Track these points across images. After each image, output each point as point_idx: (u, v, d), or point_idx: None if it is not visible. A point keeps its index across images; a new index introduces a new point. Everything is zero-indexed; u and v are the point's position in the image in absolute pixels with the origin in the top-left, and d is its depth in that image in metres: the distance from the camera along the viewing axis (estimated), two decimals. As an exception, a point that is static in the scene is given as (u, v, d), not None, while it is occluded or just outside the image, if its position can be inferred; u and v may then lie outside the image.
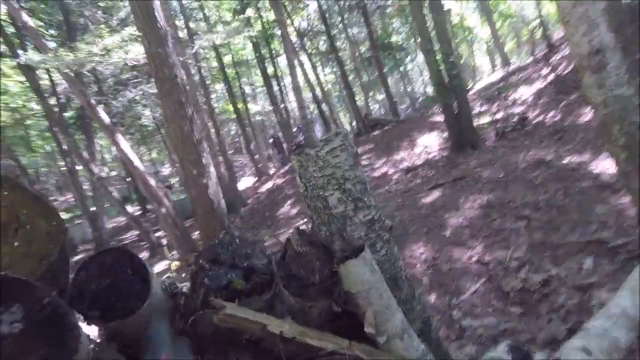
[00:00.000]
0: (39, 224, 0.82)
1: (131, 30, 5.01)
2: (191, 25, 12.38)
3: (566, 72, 7.66)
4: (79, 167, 12.76)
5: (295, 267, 1.36)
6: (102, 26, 7.16)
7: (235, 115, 17.61)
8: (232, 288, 1.27)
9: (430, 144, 7.90)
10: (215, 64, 17.51)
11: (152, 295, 1.11)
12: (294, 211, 7.65)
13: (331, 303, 1.27)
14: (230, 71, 18.50)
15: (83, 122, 12.23)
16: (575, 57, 2.26)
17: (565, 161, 4.17)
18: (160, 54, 4.75)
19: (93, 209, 11.74)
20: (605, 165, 3.59)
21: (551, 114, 6.30)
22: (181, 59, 6.55)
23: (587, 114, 5.39)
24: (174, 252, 5.49)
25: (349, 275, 1.28)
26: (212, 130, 11.89)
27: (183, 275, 3.44)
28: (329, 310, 1.27)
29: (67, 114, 12.88)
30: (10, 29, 10.24)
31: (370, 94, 21.16)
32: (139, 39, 5.05)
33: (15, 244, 0.78)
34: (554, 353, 1.59)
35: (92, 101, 6.08)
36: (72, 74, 5.70)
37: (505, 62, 18.08)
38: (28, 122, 15.80)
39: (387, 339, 1.30)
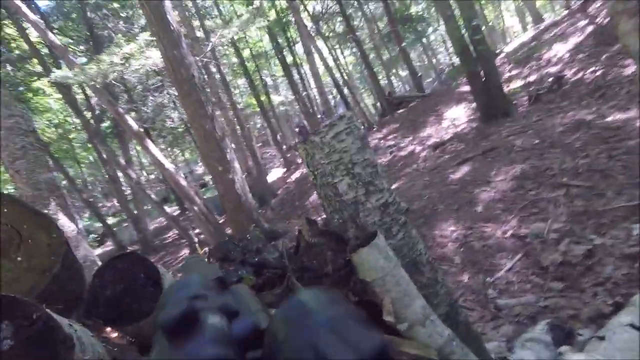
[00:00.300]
0: (39, 238, 0.84)
1: (145, 35, 5.12)
2: (207, 23, 12.50)
3: (607, 20, 6.95)
4: (120, 174, 13.49)
5: (308, 259, 1.33)
6: (120, 36, 7.38)
7: (259, 108, 17.76)
8: (242, 283, 1.27)
9: (458, 116, 7.54)
10: (235, 59, 17.67)
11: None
12: (323, 198, 7.65)
13: (347, 293, 1.24)
14: (250, 65, 18.62)
15: (118, 131, 12.86)
16: (609, 3, 2.02)
17: (608, 120, 3.81)
18: (175, 56, 4.83)
19: (135, 212, 12.42)
20: (655, 120, 3.24)
21: (591, 69, 5.76)
22: (198, 59, 6.65)
23: (631, 66, 4.87)
24: (206, 249, 5.69)
25: (362, 263, 1.23)
26: (237, 126, 12.07)
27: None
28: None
29: (104, 125, 13.61)
30: (45, 50, 10.88)
31: (393, 71, 20.49)
32: (156, 44, 5.16)
33: (18, 258, 0.80)
34: (600, 330, 1.47)
35: (120, 110, 6.33)
36: (99, 86, 5.95)
37: (537, 19, 16.77)
38: (71, 135, 16.90)
39: (409, 326, 1.25)
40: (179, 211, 17.67)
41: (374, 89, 15.26)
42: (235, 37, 10.97)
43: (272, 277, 1.27)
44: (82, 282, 1.12)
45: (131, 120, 6.45)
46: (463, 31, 6.32)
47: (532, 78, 7.05)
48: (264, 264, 1.31)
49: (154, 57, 5.52)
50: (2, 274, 0.77)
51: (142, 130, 9.14)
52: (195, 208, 6.22)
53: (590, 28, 7.37)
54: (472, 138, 5.72)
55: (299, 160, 17.87)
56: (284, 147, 19.91)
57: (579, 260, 2.10)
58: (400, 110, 11.37)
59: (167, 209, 11.26)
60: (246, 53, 18.14)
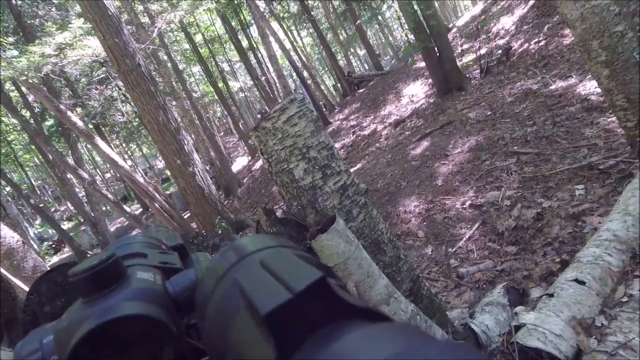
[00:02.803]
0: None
1: (79, 23, 4.69)
2: (152, 7, 11.70)
3: (548, -7, 7.26)
4: (70, 175, 12.62)
5: (267, 249, 1.30)
6: (50, 24, 6.72)
7: (217, 96, 17.13)
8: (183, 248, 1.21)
9: (416, 92, 7.68)
10: (187, 45, 16.80)
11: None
12: (290, 183, 7.60)
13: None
14: (203, 51, 17.78)
15: (63, 129, 11.93)
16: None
17: (552, 87, 4.02)
18: (117, 44, 4.48)
19: (92, 214, 11.73)
20: (592, 86, 3.46)
21: (535, 40, 6.03)
22: (144, 46, 6.22)
23: (570, 35, 5.14)
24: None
25: (323, 249, 1.22)
26: (194, 115, 11.59)
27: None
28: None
29: (46, 124, 12.57)
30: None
31: (351, 50, 20.42)
32: (93, 32, 4.75)
33: None
34: (549, 288, 1.57)
35: (62, 106, 5.84)
36: (33, 81, 5.43)
37: (486, -7, 17.21)
38: (10, 137, 15.49)
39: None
40: (140, 209, 16.94)
41: (334, 69, 15.15)
42: (185, 21, 10.37)
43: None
44: (15, 302, 1.02)
45: (75, 117, 5.97)
46: (416, 7, 6.35)
47: (482, 51, 7.26)
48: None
49: (94, 47, 5.09)
50: None
51: (89, 127, 8.53)
52: (156, 204, 5.96)
53: (532, 0, 7.67)
54: (430, 113, 5.86)
55: (263, 147, 17.59)
56: (247, 134, 19.47)
57: (530, 224, 2.23)
58: (361, 90, 11.41)
59: (127, 208, 10.71)
60: (198, 38, 17.29)
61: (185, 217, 8.37)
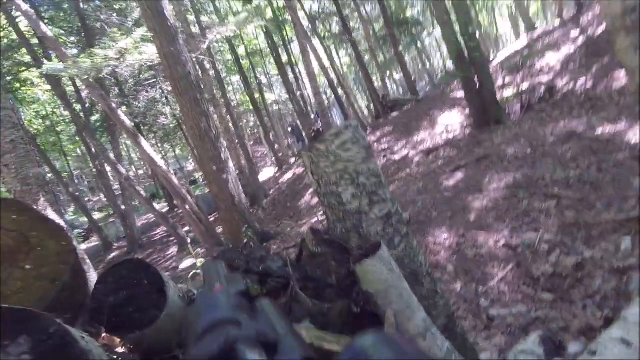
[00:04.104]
0: (49, 245, 0.83)
1: (143, 31, 5.05)
2: (203, 19, 12.38)
3: (598, 32, 7.12)
4: (108, 169, 13.28)
5: (311, 269, 1.34)
6: (116, 30, 7.26)
7: (252, 106, 17.67)
8: (247, 293, 1.26)
9: (451, 122, 7.63)
10: (229, 56, 17.56)
11: (169, 305, 1.13)
12: (315, 200, 7.65)
13: (350, 304, 1.25)
14: (244, 62, 18.50)
15: (108, 125, 12.65)
16: (607, 17, 2.07)
17: (598, 132, 3.90)
18: (172, 52, 4.77)
19: (123, 207, 12.24)
20: (644, 134, 3.34)
21: (582, 80, 5.90)
22: (194, 56, 6.58)
23: (622, 79, 5.00)
24: (199, 249, 5.65)
25: (366, 274, 1.25)
26: (230, 124, 12.00)
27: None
28: (348, 311, 1.24)
29: (93, 118, 13.37)
30: (34, 40, 10.62)
31: (387, 73, 20.59)
32: (152, 39, 5.09)
33: (27, 267, 0.79)
34: (590, 344, 1.51)
35: (113, 105, 6.23)
36: (92, 80, 5.85)
37: (530, 27, 17.04)
38: (59, 128, 16.56)
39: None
40: (167, 208, 17.49)
41: (369, 90, 15.32)
42: (231, 35, 10.89)
43: (276, 286, 1.27)
44: (87, 289, 1.11)
45: (124, 116, 6.35)
46: (458, 37, 6.40)
47: (524, 86, 7.17)
48: (268, 273, 1.31)
49: (149, 53, 5.44)
50: (11, 283, 0.76)
51: (133, 125, 8.99)
52: (187, 207, 6.17)
53: (582, 39, 7.54)
54: (465, 145, 5.80)
55: (292, 161, 17.84)
56: (276, 146, 19.86)
57: (569, 272, 2.16)
58: (394, 114, 11.45)
59: (156, 205, 11.11)
60: (241, 50, 18.03)
61: (210, 220, 8.58)
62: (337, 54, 20.74)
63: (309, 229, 1.43)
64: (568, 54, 7.31)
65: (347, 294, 1.27)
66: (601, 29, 6.98)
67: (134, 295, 1.17)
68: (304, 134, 17.61)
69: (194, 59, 8.24)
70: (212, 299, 0.53)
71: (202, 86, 9.54)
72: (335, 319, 1.25)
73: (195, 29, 11.10)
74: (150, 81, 12.22)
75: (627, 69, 2.00)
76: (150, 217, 17.53)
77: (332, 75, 13.19)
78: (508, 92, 7.25)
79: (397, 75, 22.89)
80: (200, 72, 9.62)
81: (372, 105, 16.31)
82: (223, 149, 5.17)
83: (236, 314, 0.45)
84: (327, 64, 13.69)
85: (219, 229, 7.15)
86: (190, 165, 31.26)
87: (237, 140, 11.44)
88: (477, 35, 7.22)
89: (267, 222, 7.62)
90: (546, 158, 3.71)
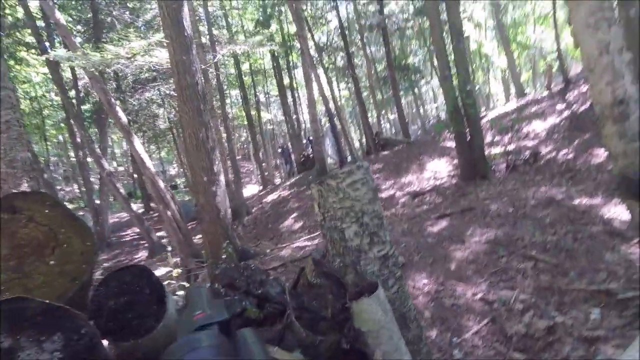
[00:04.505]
0: (74, 244, 0.85)
1: (160, 36, 5.15)
2: (214, 32, 12.66)
3: (582, 109, 7.68)
4: (89, 160, 12.94)
5: (308, 299, 1.37)
6: (130, 29, 7.35)
7: (247, 122, 17.80)
8: (246, 316, 1.28)
9: (439, 169, 7.91)
10: (232, 70, 17.83)
11: (167, 317, 1.13)
12: (298, 225, 7.65)
13: (341, 339, 1.28)
14: (247, 79, 18.79)
15: (99, 117, 12.45)
16: (597, 105, 2.28)
17: (576, 202, 4.15)
18: (184, 61, 4.87)
19: (98, 202, 11.85)
20: (617, 212, 3.58)
21: (564, 151, 6.30)
22: (203, 67, 6.70)
23: (600, 156, 5.38)
24: (176, 259, 5.51)
25: (361, 313, 1.29)
26: (224, 135, 12.03)
27: (185, 284, 3.45)
28: (337, 346, 1.27)
29: (84, 107, 13.14)
30: (40, 22, 10.56)
31: (383, 112, 21.28)
32: (165, 45, 5.19)
33: (51, 262, 0.80)
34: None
35: (112, 100, 6.20)
36: (96, 72, 5.84)
37: (520, 93, 18.15)
38: (45, 112, 16.16)
39: (394, 380, 1.30)
40: (143, 210, 17.01)
41: (363, 125, 15.74)
42: (239, 52, 11.15)
43: (273, 312, 1.29)
44: (89, 286, 1.11)
45: (121, 112, 6.32)
46: (456, 92, 6.78)
47: (511, 147, 7.56)
48: (266, 297, 1.33)
49: (160, 57, 5.52)
50: (34, 277, 0.77)
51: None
52: (169, 213, 6.06)
53: (566, 112, 8.09)
54: (451, 194, 6.01)
55: (277, 181, 17.82)
56: (264, 164, 19.87)
57: (541, 335, 2.25)
58: (385, 152, 11.76)
59: (132, 206, 10.81)
60: (245, 67, 18.37)
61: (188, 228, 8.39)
62: (338, 85, 21.37)
63: (311, 259, 1.47)
64: (553, 124, 7.81)
65: (340, 329, 1.30)
66: (585, 106, 7.54)
67: (135, 302, 1.17)
68: (293, 157, 17.76)
69: (201, 69, 8.37)
70: (192, 343, 0.56)
71: (206, 96, 9.61)
72: (325, 352, 1.27)
73: (204, 40, 11.33)
74: (150, 81, 12.20)
75: (611, 153, 2.19)
76: (123, 216, 16.96)
77: (331, 105, 13.53)
78: (496, 150, 7.63)
79: (392, 116, 23.64)
80: (204, 82, 9.74)
81: (364, 140, 16.71)
82: (217, 162, 5.19)
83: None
84: (327, 93, 14.07)
85: (197, 239, 7.00)
86: (173, 170, 30.73)
87: (227, 153, 11.43)
88: (473, 93, 7.66)
89: (246, 240, 7.51)
90: (526, 220, 3.90)
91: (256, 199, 13.20)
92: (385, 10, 13.75)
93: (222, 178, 5.23)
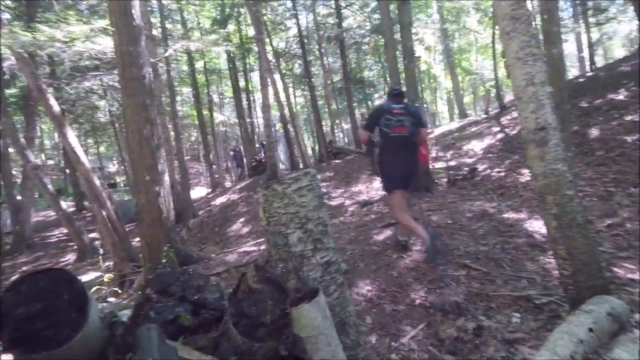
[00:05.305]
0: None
1: (105, 23, 4.80)
2: (167, 25, 12.10)
3: (513, 132, 8.47)
4: (11, 151, 11.60)
5: (248, 305, 1.33)
6: (71, 12, 6.76)
7: (198, 122, 17.18)
8: (178, 323, 1.20)
9: (387, 180, 8.22)
10: (186, 67, 17.15)
11: (88, 326, 1.02)
12: (245, 230, 7.49)
13: (279, 345, 1.26)
14: (200, 77, 18.16)
15: (26, 104, 11.24)
16: (523, 130, 2.53)
17: (504, 216, 4.54)
18: (131, 52, 4.59)
19: (20, 198, 10.64)
20: (538, 226, 3.97)
21: (497, 169, 6.88)
22: (153, 60, 6.35)
23: (526, 175, 5.96)
24: (110, 263, 5.09)
25: (301, 319, 1.29)
26: (172, 134, 11.47)
27: (118, 290, 3.19)
28: (275, 353, 1.25)
29: (9, 91, 11.80)
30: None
31: (337, 122, 21.72)
32: (110, 33, 4.85)
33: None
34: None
35: (44, 86, 5.64)
36: (26, 54, 5.29)
37: (462, 113, 19.60)
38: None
39: (330, 386, 1.31)
40: (74, 208, 15.57)
41: (317, 134, 15.95)
42: (194, 49, 10.77)
43: (209, 318, 1.24)
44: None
45: (53, 100, 5.76)
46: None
47: (452, 163, 8.11)
48: (203, 304, 1.28)
49: (105, 45, 5.15)
50: None
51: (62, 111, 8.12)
52: (104, 212, 5.61)
53: (500, 135, 8.88)
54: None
55: (227, 185, 17.33)
56: (214, 167, 19.25)
57: (470, 338, 2.41)
58: (337, 161, 11.98)
59: (62, 204, 9.84)
60: (199, 65, 17.77)
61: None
62: (294, 92, 21.44)
63: (254, 265, 1.44)
64: (489, 144, 8.53)
65: (279, 335, 1.28)
66: (515, 130, 8.34)
67: (51, 309, 1.04)
68: (245, 160, 17.42)
69: (150, 62, 7.93)
70: None
71: (154, 92, 9.13)
72: (262, 359, 1.24)
73: (156, 32, 10.77)
74: (92, 70, 11.29)
75: (534, 174, 2.44)
76: (49, 215, 15.36)
77: (286, 111, 13.54)
78: (439, 165, 8.13)
79: (346, 126, 24.21)
80: (152, 76, 9.23)
81: (317, 148, 16.91)
82: (161, 161, 4.92)
83: None
84: (282, 99, 14.06)
85: (135, 242, 6.54)
86: (112, 167, 28.55)
87: (175, 153, 10.90)
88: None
89: (190, 244, 7.17)
90: (462, 231, 4.18)
91: (204, 201, 12.71)
92: (344, 24, 14.16)
93: (166, 178, 4.96)
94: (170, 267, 3.68)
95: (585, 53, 17.64)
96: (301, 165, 13.36)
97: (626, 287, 2.63)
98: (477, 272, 3.24)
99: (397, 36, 8.47)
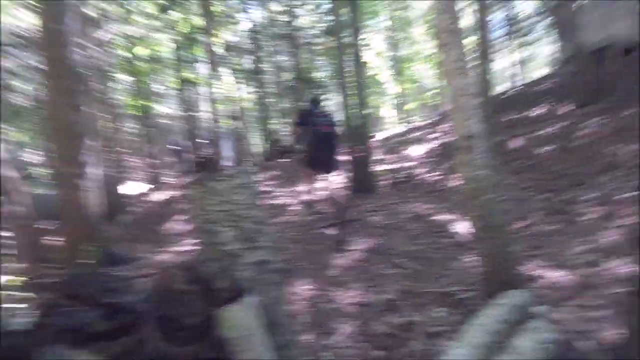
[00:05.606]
0: None
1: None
2: (105, 5, 11.11)
3: (449, 139, 9.11)
4: None
5: (173, 307, 1.27)
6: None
7: (138, 113, 16.05)
8: (88, 329, 1.09)
9: (333, 181, 8.36)
10: (126, 53, 15.92)
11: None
12: (185, 228, 7.14)
13: (203, 349, 1.22)
14: (141, 64, 16.98)
15: None
16: (456, 137, 2.72)
17: (437, 217, 4.87)
18: (56, 30, 4.15)
19: None
20: (465, 227, 4.31)
21: (434, 173, 7.35)
22: (83, 41, 5.79)
23: (457, 180, 6.44)
24: (22, 265, 4.55)
25: (229, 320, 1.26)
26: (105, 124, 10.58)
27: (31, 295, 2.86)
28: (198, 356, 1.20)
29: None
30: None
31: (286, 120, 21.62)
32: (33, 7, 4.35)
33: None
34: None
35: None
36: None
37: (406, 119, 20.62)
38: None
39: (256, 387, 1.30)
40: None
41: (265, 132, 15.76)
42: (134, 35, 10.05)
43: (126, 323, 1.15)
44: None
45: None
46: (353, 111, 7.33)
47: (394, 166, 8.49)
48: (121, 307, 1.19)
49: (26, 20, 4.60)
50: None
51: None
52: (16, 207, 5.00)
53: (438, 141, 9.50)
54: (341, 205, 6.41)
55: (169, 180, 16.40)
56: (155, 160, 18.10)
57: (398, 333, 2.54)
58: (284, 160, 11.92)
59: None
60: (142, 51, 16.60)
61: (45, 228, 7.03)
62: (244, 88, 20.93)
63: (182, 264, 1.37)
64: (427, 149, 9.07)
65: (205, 338, 1.24)
66: (451, 138, 8.98)
67: None
68: (188, 156, 16.63)
69: (82, 44, 7.23)
70: None
71: (83, 76, 8.35)
72: (184, 364, 1.19)
73: (91, 12, 9.85)
74: (8, 46, 10.00)
75: (462, 178, 2.64)
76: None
77: (234, 107, 13.18)
78: (382, 168, 8.46)
79: (295, 125, 24.14)
80: (83, 59, 8.42)
81: (264, 147, 16.69)
82: (89, 151, 4.52)
83: None
84: (231, 94, 13.65)
85: (54, 241, 5.91)
86: (32, 156, 25.58)
87: (108, 143, 10.06)
88: (367, 114, 8.39)
89: (120, 242, 6.65)
90: (399, 231, 4.41)
91: (141, 197, 11.89)
92: (297, 23, 14.15)
93: (94, 170, 4.57)
94: (93, 268, 3.39)
95: (512, 70, 19.57)
96: (248, 163, 13.09)
97: (532, 282, 2.96)
98: (410, 270, 3.43)
99: (348, 39, 8.65)
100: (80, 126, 4.25)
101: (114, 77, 16.62)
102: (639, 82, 5.95)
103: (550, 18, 12.06)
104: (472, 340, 1.76)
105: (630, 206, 3.64)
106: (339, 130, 5.18)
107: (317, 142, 4.69)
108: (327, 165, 4.96)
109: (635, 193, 4.15)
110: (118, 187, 9.87)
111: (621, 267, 3.00)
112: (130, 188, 16.29)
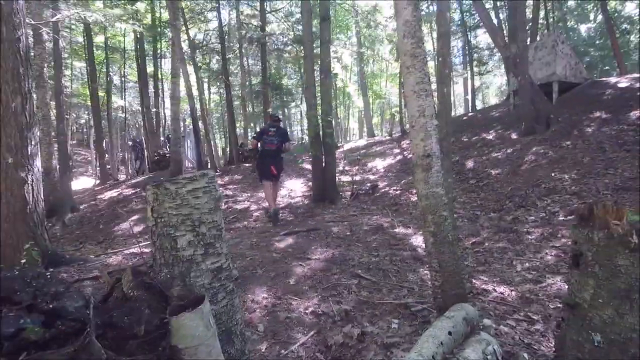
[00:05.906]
0: None
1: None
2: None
3: (410, 156, 9.47)
4: None
5: (120, 314, 1.18)
6: None
7: (90, 103, 15.08)
8: (23, 337, 0.98)
9: (295, 189, 8.36)
10: (81, 39, 14.99)
11: None
12: (137, 229, 6.76)
13: (152, 359, 1.14)
14: (99, 53, 16.09)
15: None
16: (413, 154, 2.83)
17: (396, 230, 5.01)
18: (2, 7, 3.82)
19: None
20: (421, 241, 4.47)
21: (394, 187, 7.58)
22: (33, 22, 5.37)
23: (415, 195, 6.70)
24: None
25: (180, 328, 1.20)
26: (54, 112, 9.84)
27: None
28: (146, 368, 1.13)
29: None
30: None
31: (252, 125, 21.36)
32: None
33: None
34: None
35: None
36: None
37: (371, 133, 21.17)
38: None
39: (206, 399, 1.24)
40: None
41: (229, 134, 15.42)
42: (92, 20, 9.49)
43: (66, 330, 1.05)
44: None
45: None
46: (319, 120, 7.41)
47: (357, 178, 8.65)
48: (59, 313, 1.09)
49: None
50: None
51: None
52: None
53: (400, 157, 9.84)
54: (302, 213, 6.41)
55: (122, 177, 15.51)
56: (107, 156, 17.06)
57: (354, 344, 2.56)
58: (247, 164, 11.74)
59: None
60: (99, 39, 15.73)
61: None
62: (209, 89, 20.44)
63: (131, 268, 1.29)
64: (389, 164, 9.37)
65: (153, 348, 1.17)
66: (412, 154, 9.34)
67: None
68: (146, 153, 15.85)
69: (31, 24, 6.70)
70: None
71: (37, 62, 7.72)
72: (129, 376, 1.11)
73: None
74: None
75: (418, 195, 2.74)
76: None
77: (197, 106, 12.80)
78: (345, 179, 8.59)
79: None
80: (33, 43, 7.80)
81: (228, 150, 16.32)
82: (32, 142, 4.16)
83: None
84: (195, 93, 13.28)
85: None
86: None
87: (55, 134, 9.33)
88: (333, 125, 8.51)
89: (64, 242, 6.15)
90: (359, 243, 4.47)
91: (90, 194, 11.11)
92: (267, 29, 14.12)
93: (38, 163, 4.21)
94: (32, 269, 3.10)
95: (469, 96, 20.87)
96: (209, 165, 12.72)
97: (480, 296, 3.12)
98: (367, 281, 3.48)
99: (317, 50, 8.78)
100: (27, 114, 3.92)
101: (66, 63, 15.56)
102: (571, 118, 6.60)
103: (499, 54, 13.06)
104: (424, 352, 1.81)
105: (568, 228, 3.98)
106: (288, 146, 6.18)
107: (267, 157, 5.91)
108: (273, 175, 5.95)
109: (571, 217, 4.56)
110: (67, 182, 9.16)
111: (560, 283, 3.25)
112: (80, 183, 15.20)
